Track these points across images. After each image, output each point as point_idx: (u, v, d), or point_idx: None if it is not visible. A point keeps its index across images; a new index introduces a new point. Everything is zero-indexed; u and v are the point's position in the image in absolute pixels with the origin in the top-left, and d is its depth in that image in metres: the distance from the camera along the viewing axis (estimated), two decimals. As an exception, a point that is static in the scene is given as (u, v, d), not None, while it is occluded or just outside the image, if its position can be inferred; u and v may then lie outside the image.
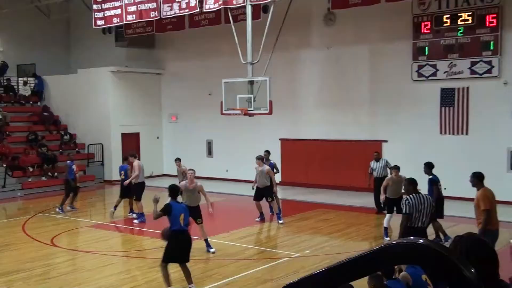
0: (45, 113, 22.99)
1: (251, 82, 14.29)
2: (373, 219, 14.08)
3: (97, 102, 22.19)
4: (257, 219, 13.88)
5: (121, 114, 22.16)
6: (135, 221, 13.86)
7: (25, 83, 23.56)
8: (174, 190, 8.62)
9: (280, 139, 19.91)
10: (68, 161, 15.97)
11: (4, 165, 19.25)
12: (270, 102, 13.69)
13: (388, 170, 13.62)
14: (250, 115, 14.53)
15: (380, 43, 17.61)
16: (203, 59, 21.56)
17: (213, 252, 10.69)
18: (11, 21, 23.42)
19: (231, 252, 10.92)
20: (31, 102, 23.58)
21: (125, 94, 22.26)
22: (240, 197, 18.02)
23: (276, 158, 19.85)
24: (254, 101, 14.09)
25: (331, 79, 18.72)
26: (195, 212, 10.36)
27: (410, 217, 7.90)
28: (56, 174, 20.26)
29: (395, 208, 11.41)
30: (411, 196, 8.01)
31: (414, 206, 7.90)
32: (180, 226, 8.22)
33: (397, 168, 12.07)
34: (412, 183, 8.27)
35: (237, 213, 15.97)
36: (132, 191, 14.12)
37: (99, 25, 17.31)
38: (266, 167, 13.69)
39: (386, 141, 17.46)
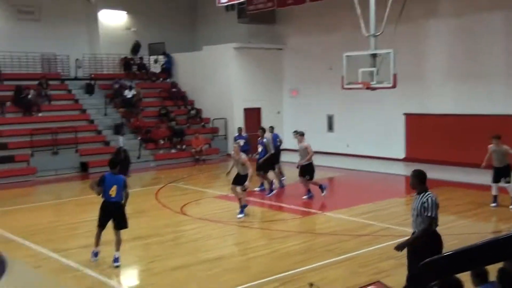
0: (174, 89, 24.32)
1: (374, 55, 13.89)
2: (507, 199, 13.14)
3: (221, 77, 22.98)
4: (305, 197, 13.45)
5: (244, 89, 22.76)
6: (266, 194, 14.27)
7: (155, 61, 25.04)
8: (111, 163, 9.20)
9: (404, 113, 19.21)
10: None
11: (139, 138, 20.75)
12: (394, 76, 13.23)
13: None
14: (373, 89, 14.16)
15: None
16: (323, 33, 21.33)
17: (239, 218, 11.51)
18: (142, 2, 24.96)
19: (351, 228, 10.86)
20: (161, 79, 25.06)
21: (248, 69, 22.78)
22: (360, 173, 17.79)
23: (399, 133, 19.29)
24: (377, 74, 13.70)
25: (461, 50, 17.60)
26: (242, 179, 11.73)
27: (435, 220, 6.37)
28: (184, 146, 21.44)
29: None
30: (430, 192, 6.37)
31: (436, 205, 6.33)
32: (107, 197, 8.61)
33: (497, 137, 11.98)
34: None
35: (357, 189, 15.79)
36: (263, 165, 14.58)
37: (222, 3, 17.84)
38: (305, 143, 13.33)
39: (523, 116, 16.11)
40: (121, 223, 8.70)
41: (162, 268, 8.53)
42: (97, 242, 8.88)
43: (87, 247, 9.28)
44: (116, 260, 8.60)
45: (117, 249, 8.65)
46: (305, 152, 13.28)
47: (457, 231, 10.49)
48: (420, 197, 6.26)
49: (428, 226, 6.21)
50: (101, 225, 8.85)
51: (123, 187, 8.65)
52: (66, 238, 10.53)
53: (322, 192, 13.49)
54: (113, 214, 8.67)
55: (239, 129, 17.51)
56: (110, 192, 8.57)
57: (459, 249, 2.42)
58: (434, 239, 6.22)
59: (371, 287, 7.46)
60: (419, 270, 2.78)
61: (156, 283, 7.90)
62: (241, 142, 15.75)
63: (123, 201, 8.72)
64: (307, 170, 13.33)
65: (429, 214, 6.21)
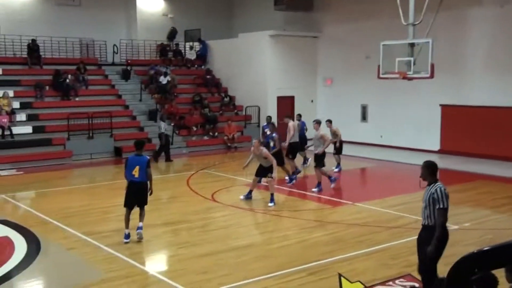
0: (208, 76, 24.38)
1: (412, 45, 13.60)
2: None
3: (255, 65, 22.90)
4: (314, 189, 13.23)
5: (278, 77, 22.63)
6: (287, 181, 14.21)
7: (191, 48, 25.14)
8: (136, 144, 9.23)
9: (440, 105, 18.76)
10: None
11: (173, 124, 20.92)
12: (432, 65, 12.93)
13: None
14: (409, 79, 13.88)
15: None
16: (360, 21, 20.97)
17: (270, 206, 11.60)
18: (179, -11, 25.02)
19: (383, 219, 10.70)
20: (196, 66, 25.15)
21: (282, 57, 22.62)
22: (393, 164, 17.52)
23: (435, 124, 18.88)
24: (414, 64, 13.41)
25: (503, 40, 17.03)
26: (267, 170, 11.97)
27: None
28: (216, 134, 21.51)
29: None
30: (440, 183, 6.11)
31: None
32: (131, 177, 8.95)
33: None
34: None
35: (390, 180, 15.55)
36: (287, 151, 14.60)
37: (259, -10, 17.64)
38: (321, 132, 13.27)
39: None
40: (141, 201, 9.11)
41: (191, 255, 8.58)
42: (127, 224, 9.11)
43: (118, 230, 9.43)
44: (139, 228, 9.11)
45: (141, 220, 9.18)
46: (320, 141, 13.14)
47: (492, 226, 10.23)
48: (430, 188, 6.10)
49: (444, 219, 6.06)
50: (128, 206, 9.16)
51: (145, 167, 8.86)
52: (99, 222, 10.72)
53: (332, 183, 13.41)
54: (138, 194, 9.02)
55: (268, 118, 17.06)
56: (133, 172, 8.87)
57: (497, 244, 2.35)
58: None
59: (401, 280, 7.36)
60: (458, 264, 2.72)
61: (184, 269, 7.95)
62: (268, 131, 15.27)
63: (148, 181, 9.03)
64: (320, 159, 13.18)
65: (441, 206, 6.03)
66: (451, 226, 10.04)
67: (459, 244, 8.87)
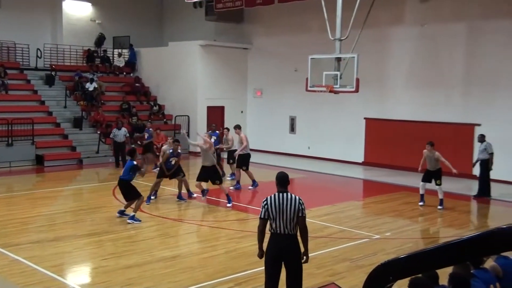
0: (137, 84, 23.95)
1: (338, 59, 13.98)
2: (461, 205, 13.49)
3: (185, 74, 22.76)
4: (250, 187, 14.86)
5: (208, 87, 22.61)
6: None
7: (119, 55, 24.61)
8: (129, 152, 12.04)
9: (365, 118, 19.46)
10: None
11: (98, 132, 20.33)
12: (357, 80, 13.35)
13: (486, 154, 14.08)
14: (336, 92, 14.25)
15: (480, 19, 16.59)
16: (290, 34, 21.41)
17: (229, 207, 12.59)
18: (108, -6, 24.48)
19: (309, 229, 10.83)
20: (124, 73, 24.64)
21: (213, 67, 22.64)
22: (321, 175, 17.92)
23: (359, 137, 19.55)
24: (341, 78, 13.81)
25: (423, 58, 17.95)
26: (211, 173, 12.88)
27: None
28: (144, 142, 21.06)
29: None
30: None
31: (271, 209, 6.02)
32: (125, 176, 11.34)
33: (431, 143, 12.89)
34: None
35: (317, 191, 15.88)
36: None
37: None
38: (241, 134, 15.00)
39: (479, 125, 16.52)
40: (125, 196, 11.31)
41: (116, 266, 8.33)
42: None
43: (38, 242, 9.01)
44: (125, 214, 11.29)
45: (128, 209, 11.27)
46: (240, 143, 14.80)
47: (412, 235, 10.68)
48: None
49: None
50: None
51: (128, 170, 11.15)
52: (16, 233, 10.17)
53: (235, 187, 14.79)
54: (120, 189, 11.47)
55: (213, 126, 17.36)
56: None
57: (412, 252, 2.46)
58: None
59: (326, 289, 7.50)
60: (372, 273, 2.82)
61: (108, 281, 7.70)
62: (213, 138, 16.00)
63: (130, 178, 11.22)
64: (243, 160, 14.76)
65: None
66: (373, 235, 10.41)
67: (380, 253, 9.19)
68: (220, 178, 12.95)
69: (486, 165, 14.12)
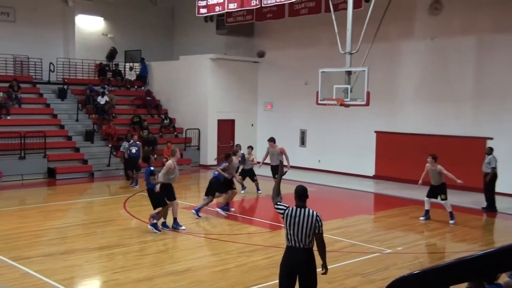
0: (148, 98, 24.12)
1: (349, 73, 14.01)
2: (471, 219, 13.38)
3: (196, 88, 22.90)
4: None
5: (218, 100, 22.70)
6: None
7: (131, 68, 24.83)
8: (144, 158, 12.82)
9: (375, 131, 19.42)
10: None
11: (110, 145, 20.45)
12: (368, 93, 13.36)
13: (489, 167, 13.98)
14: (346, 105, 14.27)
15: (490, 33, 16.57)
16: (300, 48, 21.50)
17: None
18: (120, 9, 24.80)
19: (320, 243, 10.82)
20: (135, 87, 24.84)
21: (223, 81, 22.76)
22: (331, 189, 17.86)
23: (370, 150, 19.50)
24: (351, 91, 13.82)
25: (433, 71, 17.93)
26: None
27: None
28: (155, 156, 21.15)
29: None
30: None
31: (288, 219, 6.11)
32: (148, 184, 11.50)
33: (433, 156, 12.84)
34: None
35: (328, 204, 15.82)
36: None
37: (202, 13, 17.76)
38: (279, 147, 15.76)
39: (491, 138, 16.41)
40: (152, 204, 11.38)
41: (126, 280, 8.35)
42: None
43: (50, 255, 9.06)
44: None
45: (158, 217, 11.37)
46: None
47: (423, 250, 10.60)
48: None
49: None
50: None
51: (148, 175, 11.32)
52: (28, 246, 10.23)
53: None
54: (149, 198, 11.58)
55: (131, 136, 18.08)
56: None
57: (427, 268, 2.45)
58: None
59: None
60: (390, 287, 2.79)
61: (119, 295, 7.72)
62: (133, 149, 17.41)
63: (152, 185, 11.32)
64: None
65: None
66: (385, 250, 10.35)
67: (392, 267, 9.13)
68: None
69: (491, 178, 14.03)
